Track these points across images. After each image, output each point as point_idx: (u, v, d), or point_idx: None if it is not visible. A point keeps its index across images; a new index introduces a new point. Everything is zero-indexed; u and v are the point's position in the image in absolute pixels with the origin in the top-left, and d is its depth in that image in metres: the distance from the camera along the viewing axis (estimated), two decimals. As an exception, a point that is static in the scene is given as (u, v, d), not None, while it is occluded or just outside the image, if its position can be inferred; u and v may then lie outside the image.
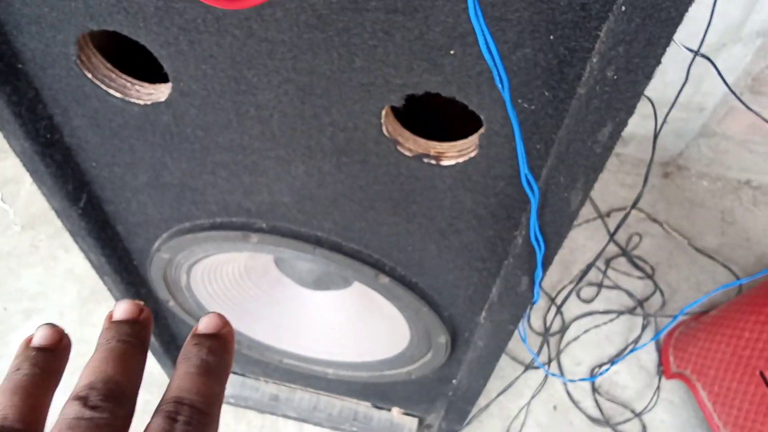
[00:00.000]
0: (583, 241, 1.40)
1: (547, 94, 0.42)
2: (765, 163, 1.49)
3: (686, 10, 0.32)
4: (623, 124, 0.39)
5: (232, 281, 0.85)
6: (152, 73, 0.53)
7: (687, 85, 1.39)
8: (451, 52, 0.41)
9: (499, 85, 0.37)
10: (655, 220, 1.44)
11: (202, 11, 0.43)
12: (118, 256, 0.76)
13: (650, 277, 1.35)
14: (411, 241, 0.62)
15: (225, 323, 0.31)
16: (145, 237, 0.73)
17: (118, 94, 0.53)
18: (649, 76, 0.36)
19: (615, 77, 0.36)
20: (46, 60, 0.51)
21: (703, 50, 0.94)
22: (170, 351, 1.01)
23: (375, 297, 0.77)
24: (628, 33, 0.34)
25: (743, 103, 0.97)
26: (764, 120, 1.08)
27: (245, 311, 0.89)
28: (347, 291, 0.85)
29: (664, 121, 0.74)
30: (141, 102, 0.53)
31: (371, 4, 0.39)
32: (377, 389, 1.04)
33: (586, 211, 1.45)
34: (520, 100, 0.43)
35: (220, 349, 0.29)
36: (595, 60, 0.36)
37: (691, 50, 0.79)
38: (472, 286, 0.67)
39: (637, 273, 1.36)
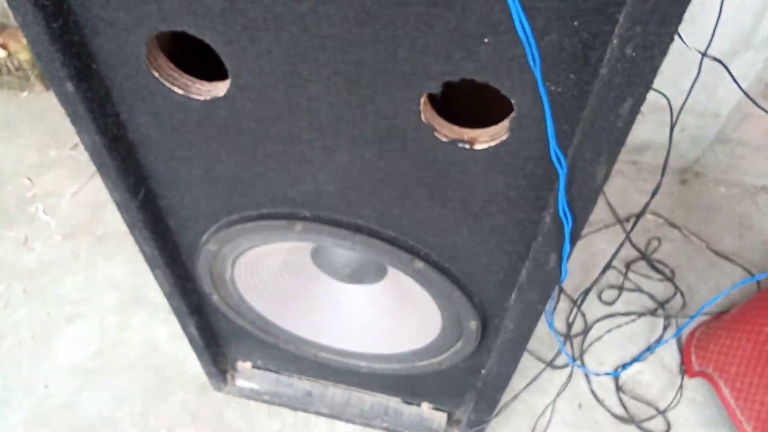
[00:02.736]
0: (603, 246, 1.44)
1: (572, 76, 0.47)
2: (781, 168, 1.53)
3: (693, -7, 0.37)
4: (642, 98, 0.44)
5: (271, 276, 0.90)
6: (197, 72, 0.59)
7: (702, 92, 1.44)
8: (485, 40, 0.46)
9: (532, 63, 0.42)
10: (673, 225, 1.47)
11: (263, 10, 0.49)
12: (169, 249, 0.82)
13: (670, 279, 1.38)
14: (445, 226, 0.67)
15: None
16: (195, 230, 0.79)
17: (180, 91, 0.59)
18: (663, 53, 0.40)
19: (634, 54, 0.41)
20: (118, 60, 0.57)
21: (717, 56, 0.99)
22: (211, 347, 1.06)
23: (407, 288, 0.81)
24: (644, 14, 0.39)
25: (758, 105, 1.02)
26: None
27: (283, 305, 0.94)
28: (380, 284, 0.90)
29: (678, 116, 0.78)
30: (201, 98, 0.59)
31: (415, -2, 0.45)
32: (408, 384, 1.08)
33: (606, 216, 1.49)
34: (547, 84, 0.47)
35: None
36: (615, 41, 0.41)
37: (700, 52, 0.84)
38: (502, 270, 0.71)
39: (657, 276, 1.39)
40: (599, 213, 1.50)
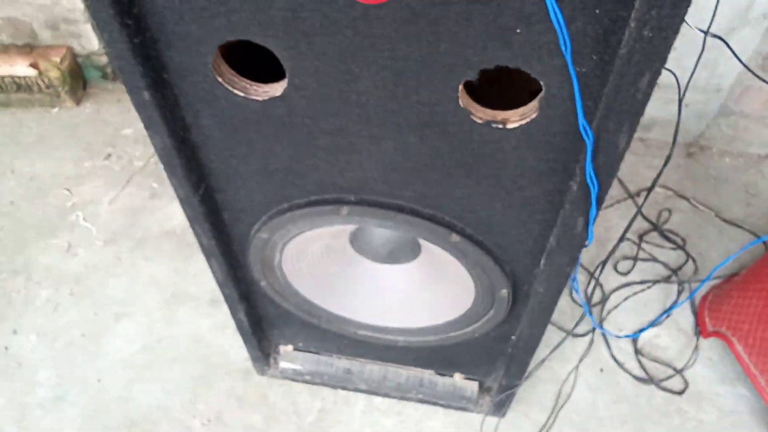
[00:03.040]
0: (616, 221, 1.51)
1: (594, 58, 0.54)
2: (782, 137, 1.60)
3: (699, -20, 0.44)
4: (658, 72, 0.51)
5: (314, 261, 0.97)
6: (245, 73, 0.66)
7: (703, 69, 1.51)
8: (518, 31, 0.53)
9: (563, 48, 0.49)
10: (682, 197, 1.54)
11: (321, 17, 0.56)
12: (223, 240, 0.89)
13: (682, 248, 1.45)
14: (480, 202, 0.74)
15: None
16: (247, 221, 0.86)
17: (241, 94, 0.66)
18: (676, 32, 0.47)
19: (650, 35, 0.48)
20: (187, 69, 0.64)
21: (715, 32, 1.07)
22: (256, 332, 1.13)
23: (441, 264, 0.89)
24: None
25: (757, 76, 1.09)
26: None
27: (326, 288, 1.01)
28: (415, 262, 0.97)
29: (685, 92, 0.85)
30: (260, 98, 0.66)
31: (455, -1, 0.52)
32: (441, 356, 1.15)
33: (617, 192, 1.56)
34: (575, 65, 0.55)
35: None
36: (633, 24, 0.48)
37: (702, 31, 0.91)
38: (532, 239, 0.78)
39: (669, 245, 1.46)
40: (611, 190, 1.57)
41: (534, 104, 0.61)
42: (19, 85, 1.73)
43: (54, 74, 1.70)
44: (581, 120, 0.56)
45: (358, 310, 1.05)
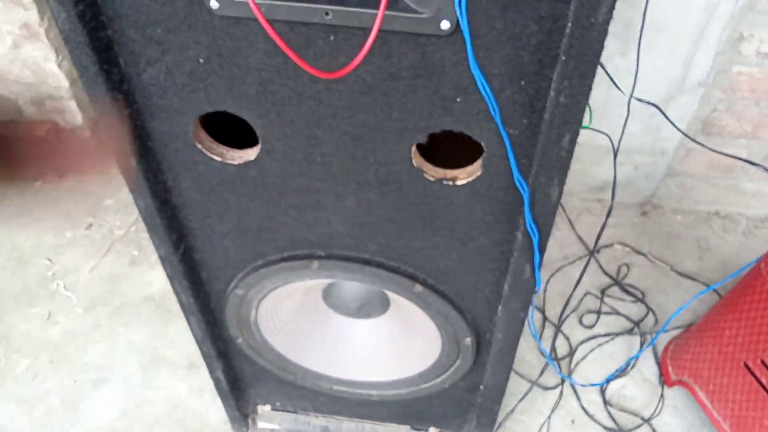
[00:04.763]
0: (577, 276, 1.58)
1: (524, 121, 0.62)
2: (728, 195, 1.71)
3: (599, 57, 0.53)
4: (576, 133, 0.59)
5: (289, 317, 1.02)
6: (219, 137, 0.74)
7: (648, 134, 1.64)
8: (458, 100, 0.62)
9: (493, 113, 0.57)
10: (639, 252, 1.63)
11: (288, 90, 0.64)
12: (201, 298, 0.94)
13: (642, 300, 1.53)
14: (438, 253, 0.81)
15: None
16: (224, 279, 0.92)
17: (218, 159, 0.74)
18: (586, 98, 0.56)
19: (566, 102, 0.57)
20: (169, 137, 0.72)
21: (654, 102, 1.19)
22: (234, 392, 1.16)
23: (409, 316, 0.95)
24: (568, 73, 0.55)
25: (693, 140, 1.20)
26: (718, 153, 1.31)
27: (300, 343, 1.06)
28: (385, 316, 1.03)
29: (618, 150, 0.95)
30: (235, 162, 0.74)
31: (403, 73, 0.61)
32: (415, 410, 1.19)
33: (578, 249, 1.64)
34: (507, 128, 0.63)
35: None
36: (552, 93, 0.57)
37: (637, 98, 1.02)
38: (488, 287, 0.85)
39: (630, 298, 1.53)
40: (572, 247, 1.65)
41: (478, 163, 0.69)
42: (3, 160, 1.80)
43: (38, 149, 1.78)
44: (516, 175, 0.64)
45: (332, 365, 1.09)
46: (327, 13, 0.57)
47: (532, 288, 0.78)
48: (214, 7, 0.58)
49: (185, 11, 0.60)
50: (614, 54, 1.45)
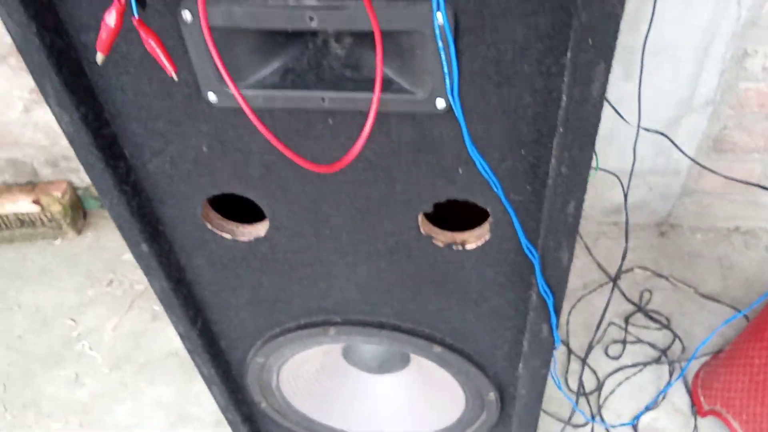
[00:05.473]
0: (600, 304, 1.56)
1: (528, 188, 0.62)
2: (747, 210, 1.68)
3: (597, 128, 0.53)
4: (582, 200, 0.59)
5: (310, 378, 1.02)
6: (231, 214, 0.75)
7: (660, 156, 1.62)
8: (459, 171, 0.62)
9: (495, 188, 0.57)
10: (660, 275, 1.61)
11: (292, 172, 0.65)
12: (222, 368, 0.94)
13: (667, 327, 1.50)
14: (452, 314, 0.80)
15: None
16: (243, 348, 0.92)
17: (229, 236, 0.74)
18: (587, 168, 0.56)
19: (567, 171, 0.56)
20: (179, 220, 0.73)
21: (663, 123, 1.17)
22: (260, 452, 1.16)
23: (430, 370, 0.94)
24: (567, 144, 0.54)
25: (699, 164, 1.19)
26: (724, 177, 1.29)
27: (324, 403, 1.05)
28: (406, 371, 1.02)
29: (629, 184, 0.94)
30: (245, 239, 0.74)
31: (403, 149, 0.61)
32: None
33: (598, 276, 1.62)
34: (512, 194, 0.63)
35: None
36: (553, 162, 0.57)
37: (644, 128, 1.01)
38: (507, 344, 0.84)
39: (655, 325, 1.51)
40: (591, 274, 1.63)
41: (486, 227, 0.69)
42: (23, 221, 1.83)
43: (56, 208, 1.81)
44: (524, 242, 0.63)
45: (356, 421, 1.08)
46: (323, 99, 0.57)
47: (551, 346, 0.77)
48: (212, 100, 0.59)
49: (185, 104, 0.61)
50: (618, 80, 1.45)
